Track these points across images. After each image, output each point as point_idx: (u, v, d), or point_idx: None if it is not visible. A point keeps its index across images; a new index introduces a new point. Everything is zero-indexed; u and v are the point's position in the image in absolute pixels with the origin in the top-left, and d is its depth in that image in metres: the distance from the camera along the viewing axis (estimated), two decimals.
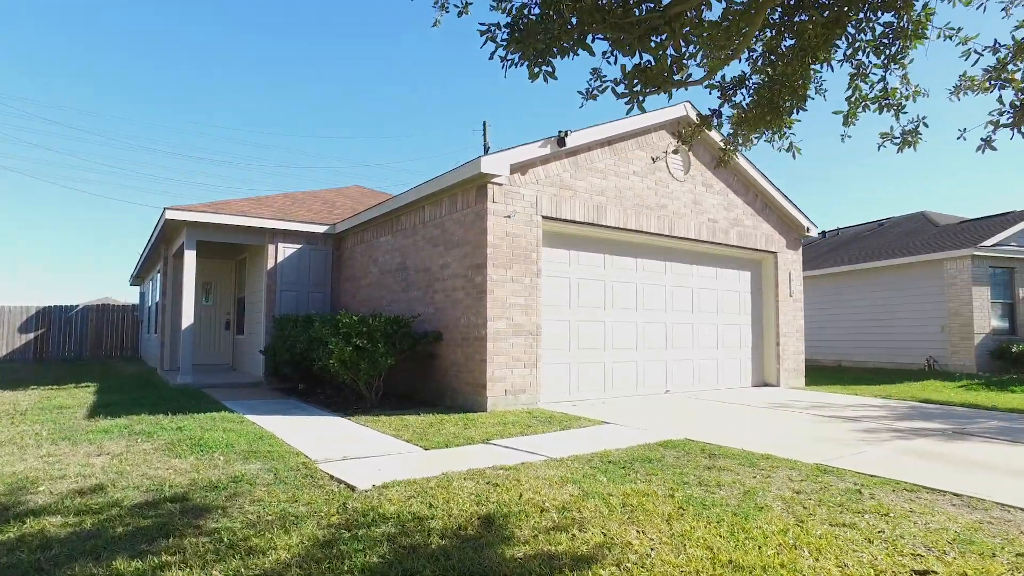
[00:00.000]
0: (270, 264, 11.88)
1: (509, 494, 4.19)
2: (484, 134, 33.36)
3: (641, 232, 10.06)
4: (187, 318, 11.21)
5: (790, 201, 12.37)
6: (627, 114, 3.48)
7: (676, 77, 3.21)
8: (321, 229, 12.31)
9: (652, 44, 2.97)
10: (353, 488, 4.39)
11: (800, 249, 12.82)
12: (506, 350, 8.21)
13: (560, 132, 8.78)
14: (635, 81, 3.28)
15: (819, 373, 15.46)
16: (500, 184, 8.33)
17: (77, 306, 22.39)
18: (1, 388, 11.13)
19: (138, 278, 22.82)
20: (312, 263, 12.35)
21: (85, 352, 22.23)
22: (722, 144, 4.27)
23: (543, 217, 8.77)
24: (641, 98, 3.39)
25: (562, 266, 9.32)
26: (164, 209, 10.97)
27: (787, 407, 9.13)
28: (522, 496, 4.13)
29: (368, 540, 3.40)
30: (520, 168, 8.53)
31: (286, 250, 12.06)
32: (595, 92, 3.92)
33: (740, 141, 4.28)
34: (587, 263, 9.67)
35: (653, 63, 3.15)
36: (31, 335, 21.69)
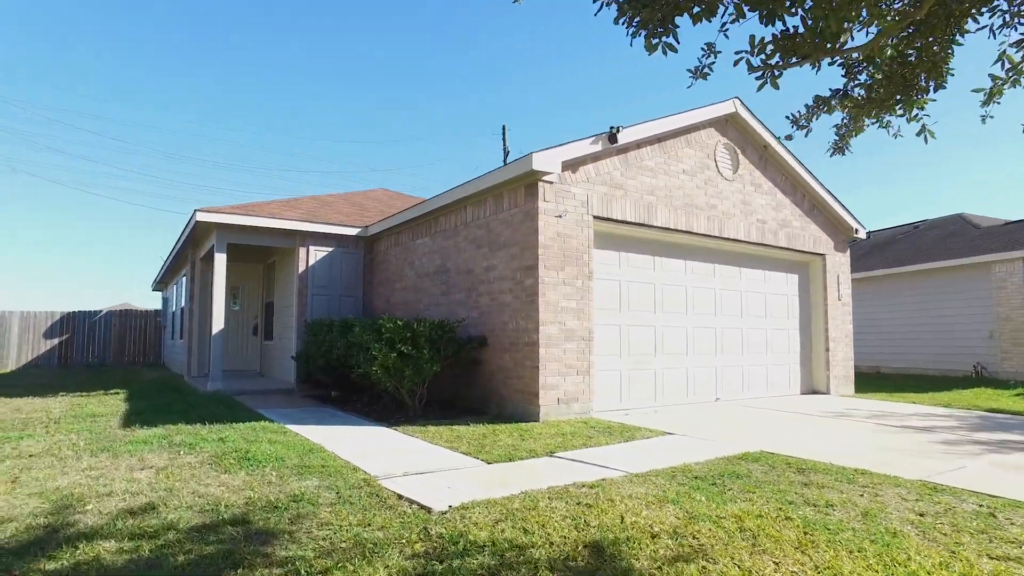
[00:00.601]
0: (301, 267, 11.55)
1: (607, 516, 3.77)
2: (504, 139, 33.03)
3: (691, 233, 9.63)
4: (217, 323, 10.89)
5: (838, 201, 11.89)
6: (758, 90, 3.07)
7: (828, 45, 2.80)
8: (352, 232, 11.97)
9: (808, 5, 2.56)
10: (428, 509, 3.99)
11: (848, 251, 12.33)
12: (558, 356, 7.80)
13: (612, 128, 8.38)
14: (773, 51, 2.87)
15: (860, 380, 14.90)
16: (551, 182, 7.94)
17: (100, 311, 22.23)
18: (31, 394, 10.86)
19: (161, 283, 22.63)
20: (343, 266, 12.01)
21: (108, 358, 22.04)
22: (792, 128, 3.83)
23: (594, 217, 8.37)
24: (778, 72, 2.99)
25: (612, 268, 8.90)
26: (195, 211, 10.67)
27: (848, 416, 8.65)
28: (623, 519, 3.71)
29: (466, 573, 2.99)
30: (570, 166, 8.14)
31: (317, 253, 11.72)
32: (705, 71, 3.52)
33: (855, 127, 3.86)
34: (637, 265, 9.24)
35: (802, 29, 2.74)
36: (55, 340, 21.54)
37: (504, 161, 32.07)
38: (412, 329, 7.82)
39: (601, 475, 4.90)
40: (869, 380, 15.10)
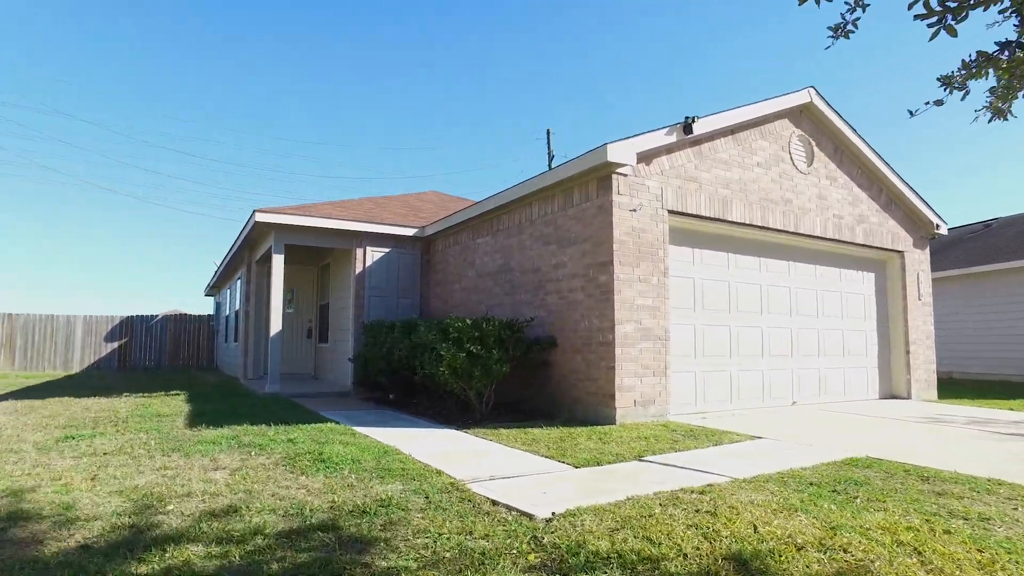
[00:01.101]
0: (358, 269, 11.41)
1: (736, 526, 3.39)
2: (548, 142, 32.80)
3: (766, 228, 9.15)
4: (275, 325, 10.80)
5: (918, 195, 11.23)
6: (931, 39, 2.68)
7: None
8: (409, 232, 11.79)
9: None
10: (530, 516, 3.66)
11: (927, 248, 11.64)
12: (634, 356, 7.41)
13: (687, 118, 7.99)
14: None
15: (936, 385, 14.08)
16: (625, 175, 7.58)
17: (156, 316, 22.64)
18: (97, 395, 10.94)
19: (214, 288, 22.94)
20: (400, 267, 11.84)
21: (164, 361, 22.42)
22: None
23: (668, 211, 7.98)
24: (954, 19, 2.59)
25: (686, 265, 8.49)
26: (253, 211, 10.62)
27: (943, 421, 8.05)
28: (756, 529, 3.32)
29: None
30: (644, 158, 7.77)
31: (374, 254, 11.57)
32: (849, 28, 3.15)
33: (1011, 91, 3.41)
34: (711, 262, 8.80)
35: None
36: (115, 344, 22.00)
37: (549, 165, 31.78)
38: (480, 328, 7.54)
39: (706, 480, 4.51)
40: (944, 385, 14.25)
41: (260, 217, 10.61)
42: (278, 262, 10.95)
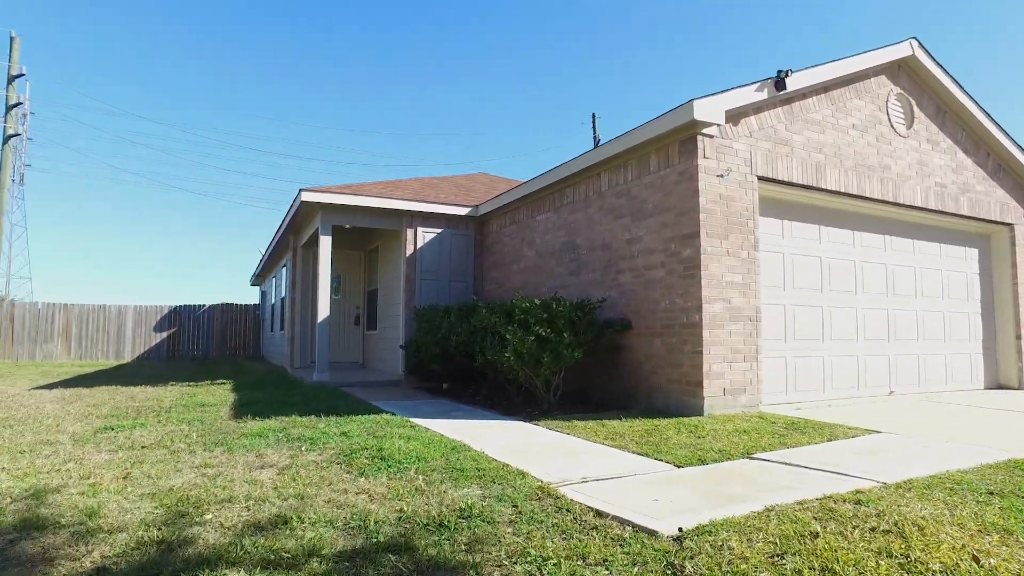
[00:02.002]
0: (408, 250, 10.78)
1: (940, 554, 2.56)
2: (593, 127, 31.77)
3: (862, 198, 8.14)
4: (322, 310, 10.25)
5: None
6: None
7: None
8: (462, 211, 11.10)
9: None
10: (652, 533, 2.91)
11: None
12: (723, 339, 6.57)
13: (780, 72, 7.07)
14: None
15: None
16: (711, 136, 6.71)
17: (204, 306, 22.58)
18: (144, 384, 10.60)
19: (259, 277, 22.76)
20: (453, 249, 11.16)
21: (211, 351, 22.37)
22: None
23: (758, 177, 7.07)
24: None
25: (775, 239, 7.57)
26: (299, 191, 10.07)
27: None
28: (978, 561, 2.50)
29: None
30: (731, 118, 6.88)
31: (425, 235, 10.92)
32: None
33: None
34: (801, 236, 7.86)
35: None
36: (164, 334, 22.02)
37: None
38: (549, 309, 6.79)
39: (850, 486, 3.67)
40: None
41: (306, 196, 10.05)
42: (325, 244, 10.39)
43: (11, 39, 30.68)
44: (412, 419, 6.45)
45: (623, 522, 3.08)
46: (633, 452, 4.83)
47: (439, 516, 3.20)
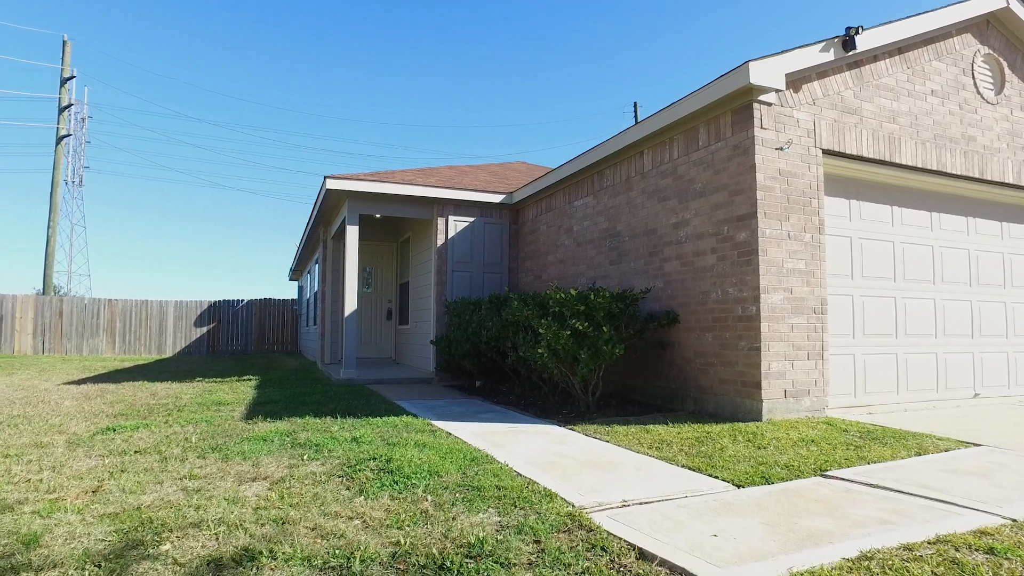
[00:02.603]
0: (439, 240, 10.22)
1: None
2: (635, 117, 30.74)
3: (942, 175, 7.21)
4: (350, 304, 9.78)
5: None
6: None
7: None
8: (496, 198, 10.48)
9: None
10: None
11: None
12: (783, 334, 5.79)
13: (848, 30, 6.22)
14: None
15: None
16: (769, 104, 5.92)
17: (242, 301, 22.57)
18: (173, 380, 10.33)
19: (296, 272, 22.65)
20: (486, 238, 10.56)
21: (251, 346, 22.35)
22: None
23: (822, 151, 6.25)
24: None
25: (841, 221, 6.72)
26: (324, 178, 9.61)
27: None
28: None
29: None
30: (792, 83, 6.07)
31: (457, 224, 10.34)
32: None
33: None
34: (871, 217, 6.98)
35: None
36: (204, 329, 22.10)
37: None
38: (587, 301, 6.11)
39: (968, 522, 2.92)
40: None
41: (332, 184, 9.58)
42: (352, 234, 9.91)
43: (63, 43, 31.41)
44: (435, 421, 5.88)
45: (675, 571, 2.41)
46: (683, 466, 4.14)
47: (442, 554, 2.58)
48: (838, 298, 6.56)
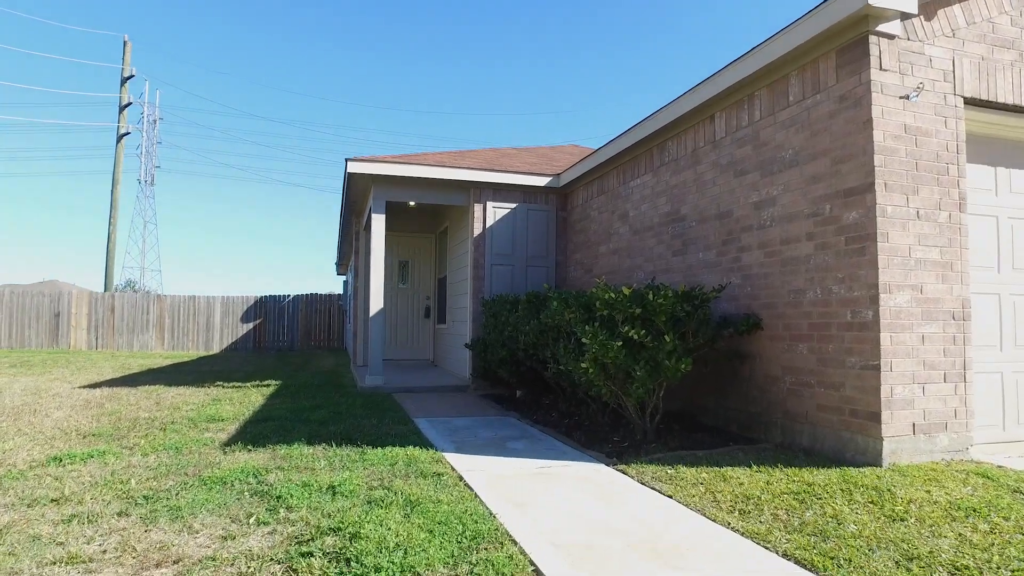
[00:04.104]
0: (476, 230, 9.00)
1: None
2: None
3: None
4: (375, 301, 8.69)
5: None
6: None
7: None
8: (541, 181, 9.18)
9: None
10: None
11: None
12: (911, 348, 4.29)
13: None
14: None
15: None
16: (891, 36, 4.41)
17: (288, 296, 22.03)
18: (192, 383, 9.45)
19: (341, 266, 21.95)
20: (530, 227, 9.27)
21: (297, 342, 21.77)
22: None
23: (964, 100, 4.68)
24: None
25: (986, 195, 5.12)
26: (346, 161, 8.53)
27: None
28: None
29: None
30: (924, 7, 4.53)
31: (496, 211, 9.10)
32: None
33: None
34: (1022, 190, 5.34)
35: None
36: (251, 325, 21.67)
37: None
38: (644, 302, 4.76)
39: None
40: None
41: (354, 168, 8.50)
42: (377, 223, 8.81)
43: (124, 43, 31.80)
44: (449, 455, 4.67)
45: None
46: (785, 554, 2.79)
47: None
48: (982, 298, 4.96)
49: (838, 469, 4.12)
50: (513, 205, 9.20)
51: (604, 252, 8.17)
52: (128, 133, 32.27)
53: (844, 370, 4.45)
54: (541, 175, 9.20)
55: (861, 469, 4.10)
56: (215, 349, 21.27)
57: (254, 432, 5.40)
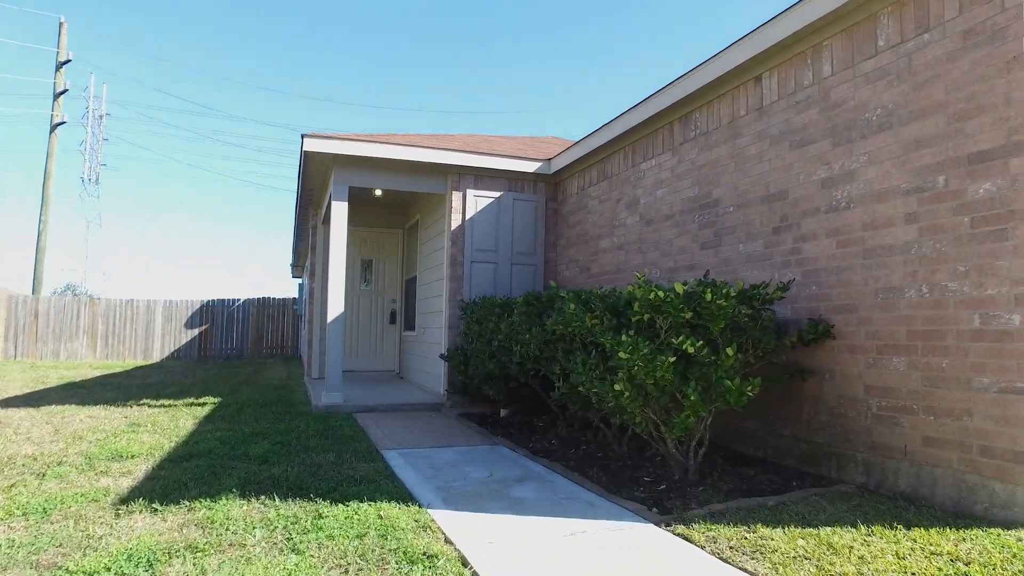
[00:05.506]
0: (455, 221, 7.74)
1: None
2: None
3: None
4: (335, 304, 7.34)
5: None
6: None
7: None
8: (530, 167, 7.98)
9: None
10: None
11: None
12: None
13: None
14: None
15: None
16: None
17: (238, 300, 20.28)
18: (111, 402, 7.84)
19: (297, 267, 20.36)
20: (516, 219, 8.05)
21: (246, 349, 20.03)
22: None
23: None
24: None
25: None
26: (303, 137, 7.17)
27: None
28: None
29: None
30: None
31: (478, 200, 7.86)
32: None
33: None
34: None
35: None
36: (196, 331, 19.85)
37: None
38: (698, 303, 3.59)
39: None
40: None
41: (313, 145, 7.15)
42: (339, 213, 7.47)
43: (60, 25, 29.50)
44: (438, 512, 3.40)
45: None
46: None
47: None
48: None
49: (982, 531, 3.01)
50: (497, 194, 7.96)
51: (606, 247, 6.99)
52: (64, 123, 29.86)
53: (969, 393, 3.34)
54: (530, 160, 7.99)
55: (1012, 532, 2.99)
56: (155, 358, 19.39)
57: (170, 477, 4.02)
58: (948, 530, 3.04)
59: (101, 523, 3.15)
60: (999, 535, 2.95)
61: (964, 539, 2.92)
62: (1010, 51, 3.22)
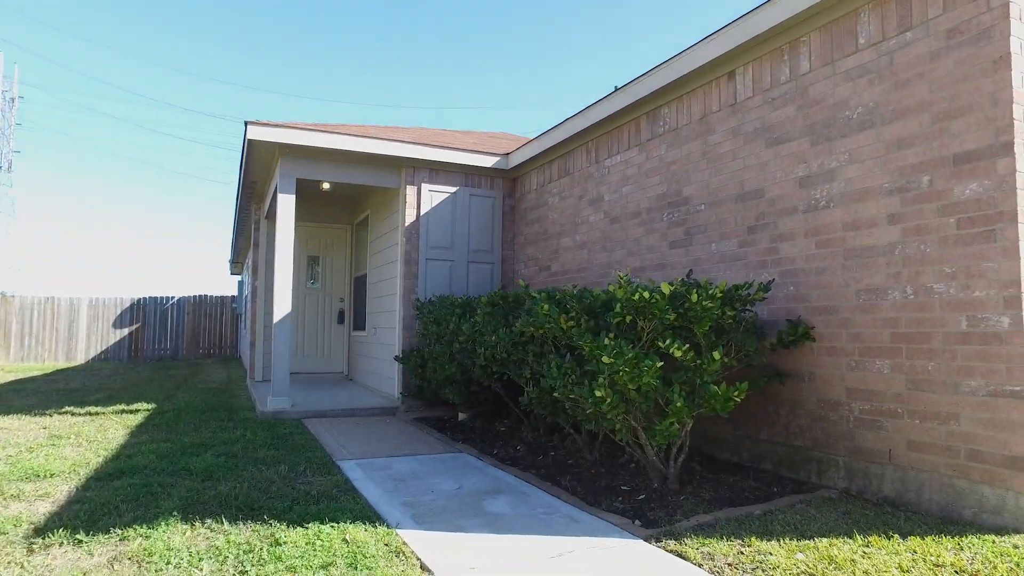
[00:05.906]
0: (409, 217, 7.41)
1: None
2: None
3: None
4: (282, 303, 6.91)
5: None
6: None
7: None
8: (488, 161, 7.71)
9: None
10: None
11: None
12: None
13: None
14: None
15: None
16: None
17: (172, 298, 19.24)
18: (26, 411, 7.14)
19: (236, 264, 19.48)
20: (473, 216, 7.78)
21: (181, 350, 19.02)
22: None
23: None
24: None
25: None
26: (246, 125, 6.70)
27: None
28: None
29: None
30: None
31: (433, 195, 7.55)
32: None
33: None
34: None
35: None
36: (125, 331, 18.70)
37: None
38: (686, 303, 3.41)
39: None
40: None
41: (257, 133, 6.68)
42: (285, 206, 7.03)
43: None
44: (407, 532, 3.12)
45: None
46: None
47: None
48: None
49: (976, 538, 2.94)
50: (453, 189, 7.67)
51: (568, 246, 6.81)
52: None
53: (957, 397, 3.28)
54: (487, 154, 7.72)
55: (1005, 538, 2.93)
56: (79, 359, 18.18)
57: (98, 500, 3.58)
58: (944, 538, 2.96)
59: (9, 562, 2.72)
60: (995, 542, 2.89)
61: (962, 547, 2.84)
62: (996, 51, 3.16)
